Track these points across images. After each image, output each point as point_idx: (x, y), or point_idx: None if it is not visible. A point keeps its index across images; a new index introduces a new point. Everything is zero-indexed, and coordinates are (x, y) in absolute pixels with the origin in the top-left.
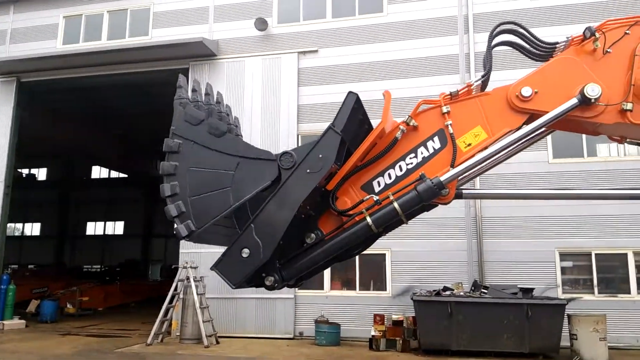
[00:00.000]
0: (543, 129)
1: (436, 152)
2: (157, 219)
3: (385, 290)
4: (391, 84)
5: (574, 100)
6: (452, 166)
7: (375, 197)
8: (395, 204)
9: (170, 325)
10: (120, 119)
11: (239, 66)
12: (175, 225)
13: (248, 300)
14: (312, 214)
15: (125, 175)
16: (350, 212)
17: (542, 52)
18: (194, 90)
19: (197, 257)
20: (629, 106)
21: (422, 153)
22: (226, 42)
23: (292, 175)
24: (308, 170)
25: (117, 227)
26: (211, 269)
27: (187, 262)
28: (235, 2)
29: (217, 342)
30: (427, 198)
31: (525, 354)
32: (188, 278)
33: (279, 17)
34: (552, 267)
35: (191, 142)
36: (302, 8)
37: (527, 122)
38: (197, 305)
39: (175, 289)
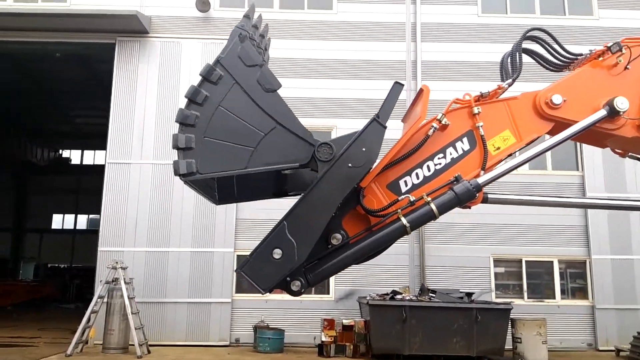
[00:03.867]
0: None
1: (465, 153)
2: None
3: (329, 294)
4: (337, 83)
5: (602, 112)
6: (483, 169)
7: (412, 197)
8: (432, 205)
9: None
10: None
11: (175, 48)
12: (176, 159)
13: (179, 305)
14: (336, 213)
15: None
16: (384, 213)
17: (561, 62)
18: (255, 27)
19: (119, 255)
20: None
21: (450, 154)
22: (160, 20)
23: (332, 168)
24: (350, 165)
25: None
26: (236, 271)
27: (117, 262)
28: None
29: (149, 352)
30: (464, 200)
31: (472, 357)
32: (115, 280)
33: (221, 0)
34: (487, 272)
35: (233, 81)
36: None
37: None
38: (129, 310)
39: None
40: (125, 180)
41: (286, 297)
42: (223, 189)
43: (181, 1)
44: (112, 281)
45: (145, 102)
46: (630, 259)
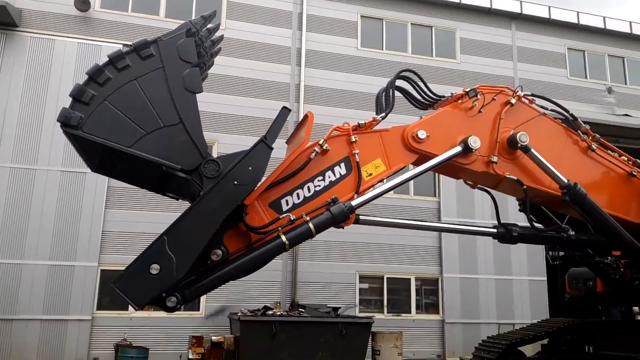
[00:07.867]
0: None
1: (342, 177)
2: None
3: (199, 310)
4: (220, 98)
5: (458, 148)
6: (357, 193)
7: (292, 216)
8: (310, 224)
9: None
10: None
11: (47, 45)
12: (67, 106)
13: (31, 323)
14: (219, 229)
15: None
16: (265, 230)
17: (427, 101)
18: (209, 31)
19: None
20: (495, 159)
21: (329, 177)
22: (31, 14)
23: (218, 185)
24: (236, 182)
25: None
26: (110, 286)
27: None
28: None
29: None
30: (339, 220)
31: None
32: None
33: (103, 1)
34: (353, 288)
35: (160, 65)
36: None
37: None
38: None
39: None
40: None
41: (153, 314)
42: (106, 159)
43: None
44: None
45: (7, 101)
46: (476, 278)
